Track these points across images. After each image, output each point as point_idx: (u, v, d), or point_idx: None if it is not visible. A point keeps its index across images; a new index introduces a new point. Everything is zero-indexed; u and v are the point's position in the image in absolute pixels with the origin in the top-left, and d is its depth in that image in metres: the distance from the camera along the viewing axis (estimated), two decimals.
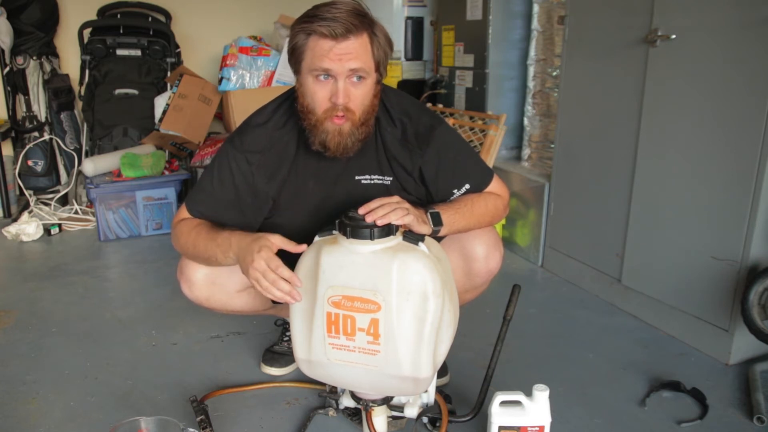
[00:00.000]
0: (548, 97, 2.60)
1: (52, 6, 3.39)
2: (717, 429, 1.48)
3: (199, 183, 1.43)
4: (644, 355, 1.84)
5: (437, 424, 1.37)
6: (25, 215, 3.08)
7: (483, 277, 1.47)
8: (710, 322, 1.81)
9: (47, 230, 3.01)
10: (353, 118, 1.26)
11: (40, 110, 3.39)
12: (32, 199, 3.34)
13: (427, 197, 1.42)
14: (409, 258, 1.13)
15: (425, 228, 1.23)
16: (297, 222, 1.40)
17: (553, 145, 2.47)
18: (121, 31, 3.46)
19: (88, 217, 3.21)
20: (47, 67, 3.41)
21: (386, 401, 1.33)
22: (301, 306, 1.21)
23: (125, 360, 1.82)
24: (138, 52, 3.47)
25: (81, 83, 3.41)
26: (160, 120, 3.20)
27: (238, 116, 3.11)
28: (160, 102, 3.29)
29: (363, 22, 1.22)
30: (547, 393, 1.29)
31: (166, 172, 3.10)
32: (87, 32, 3.45)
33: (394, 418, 1.41)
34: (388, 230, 1.15)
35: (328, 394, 1.46)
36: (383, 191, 1.37)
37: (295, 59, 1.26)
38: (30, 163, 3.36)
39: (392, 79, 3.40)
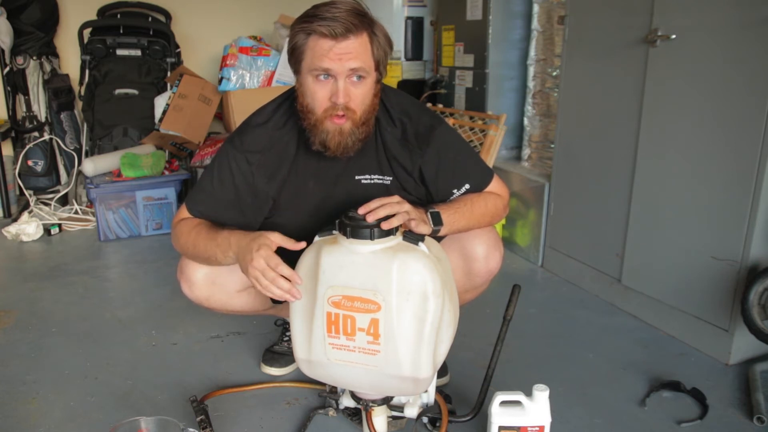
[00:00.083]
0: (548, 97, 2.60)
1: (52, 6, 3.39)
2: (717, 429, 1.48)
3: (199, 183, 1.43)
4: (644, 355, 1.84)
5: (437, 424, 1.37)
6: (25, 215, 3.08)
7: (483, 277, 1.47)
8: (710, 322, 1.81)
9: (47, 230, 3.01)
10: (354, 117, 1.26)
11: (40, 110, 3.39)
12: (32, 199, 3.34)
13: (427, 197, 1.42)
14: (409, 258, 1.13)
15: (425, 228, 1.23)
16: (297, 222, 1.40)
17: (553, 145, 2.47)
18: (121, 31, 3.46)
19: (88, 217, 3.21)
20: (47, 67, 3.41)
21: (386, 401, 1.33)
22: (301, 306, 1.21)
23: (125, 360, 1.82)
24: (138, 52, 3.47)
25: (81, 83, 3.41)
26: (160, 120, 3.20)
27: (238, 116, 3.11)
28: (160, 102, 3.29)
29: (363, 22, 1.22)
30: (547, 393, 1.29)
31: (166, 172, 3.10)
32: (87, 32, 3.45)
33: (394, 418, 1.41)
34: (388, 230, 1.15)
35: (328, 394, 1.46)
36: (383, 191, 1.37)
37: (295, 59, 1.26)
38: (30, 163, 3.36)
39: (392, 79, 3.40)
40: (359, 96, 1.25)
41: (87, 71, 3.40)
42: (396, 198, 1.22)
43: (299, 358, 1.24)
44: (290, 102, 1.37)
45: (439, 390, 1.41)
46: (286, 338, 1.77)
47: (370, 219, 1.15)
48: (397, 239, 1.17)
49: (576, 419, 1.51)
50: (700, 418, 1.50)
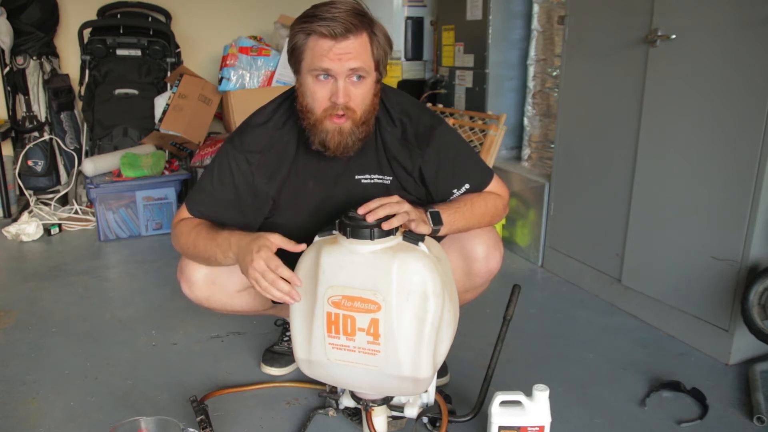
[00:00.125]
0: (548, 97, 2.60)
1: (52, 6, 3.39)
2: (717, 429, 1.48)
3: (199, 183, 1.43)
4: (644, 355, 1.84)
5: (437, 424, 1.37)
6: (25, 215, 3.08)
7: (483, 277, 1.47)
8: (710, 322, 1.81)
9: (47, 230, 3.01)
10: (354, 117, 1.26)
11: (40, 110, 3.39)
12: (32, 199, 3.34)
13: (427, 197, 1.42)
14: (409, 258, 1.13)
15: (425, 228, 1.23)
16: (297, 222, 1.40)
17: (553, 145, 2.47)
18: (121, 31, 3.46)
19: (88, 217, 3.21)
20: (47, 67, 3.41)
21: (386, 401, 1.33)
22: (301, 306, 1.21)
23: (125, 360, 1.82)
24: (138, 52, 3.47)
25: (81, 83, 3.41)
26: (160, 120, 3.21)
27: (238, 116, 3.11)
28: (160, 102, 3.29)
29: (362, 22, 1.22)
30: (547, 393, 1.29)
31: (166, 172, 3.10)
32: (87, 32, 3.45)
33: (394, 418, 1.40)
34: (388, 230, 1.15)
35: (328, 394, 1.46)
36: (383, 191, 1.37)
37: (295, 59, 1.27)
38: (30, 163, 3.36)
39: (392, 79, 3.40)
40: (359, 96, 1.25)
41: (87, 71, 3.40)
42: (396, 198, 1.22)
43: (299, 358, 1.24)
44: (290, 102, 1.37)
45: (439, 390, 1.41)
46: (286, 338, 1.77)
47: (370, 219, 1.15)
48: (397, 239, 1.17)
49: (576, 419, 1.51)
50: (700, 418, 1.50)
